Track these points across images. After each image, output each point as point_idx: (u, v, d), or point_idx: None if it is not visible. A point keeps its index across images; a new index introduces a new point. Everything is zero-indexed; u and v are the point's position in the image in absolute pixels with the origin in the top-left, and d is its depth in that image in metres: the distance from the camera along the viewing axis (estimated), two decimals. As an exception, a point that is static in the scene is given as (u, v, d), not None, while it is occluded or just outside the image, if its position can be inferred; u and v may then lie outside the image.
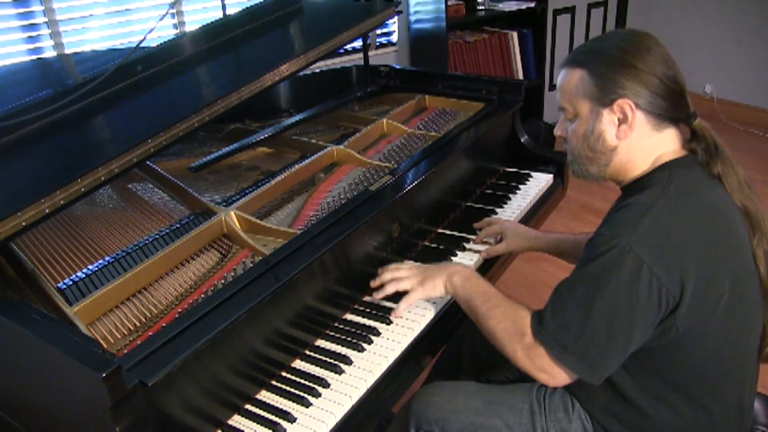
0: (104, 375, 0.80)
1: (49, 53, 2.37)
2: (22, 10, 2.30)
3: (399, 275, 1.30)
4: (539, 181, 1.84)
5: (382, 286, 1.31)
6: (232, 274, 1.21)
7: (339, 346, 1.21)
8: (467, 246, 1.54)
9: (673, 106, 1.08)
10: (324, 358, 1.18)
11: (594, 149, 1.12)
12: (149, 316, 1.12)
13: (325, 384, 1.12)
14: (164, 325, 1.04)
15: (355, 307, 1.32)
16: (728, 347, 1.08)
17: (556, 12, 3.98)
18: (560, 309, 1.04)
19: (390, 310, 1.29)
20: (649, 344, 1.04)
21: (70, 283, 1.17)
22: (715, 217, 1.06)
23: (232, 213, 1.35)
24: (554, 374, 1.06)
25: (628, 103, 1.06)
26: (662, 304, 1.00)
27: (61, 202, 1.07)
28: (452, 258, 1.48)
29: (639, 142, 1.09)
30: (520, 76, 3.64)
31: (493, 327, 1.13)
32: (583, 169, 1.17)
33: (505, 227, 1.53)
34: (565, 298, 1.05)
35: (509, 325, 1.11)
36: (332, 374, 1.15)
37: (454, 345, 1.56)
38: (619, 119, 1.08)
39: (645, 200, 1.03)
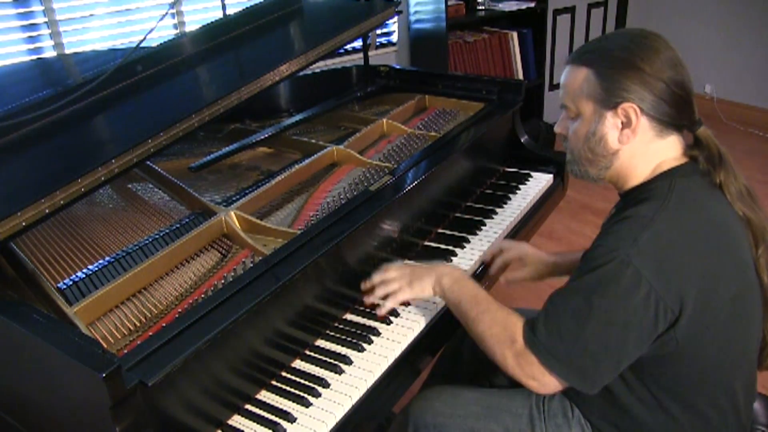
0: (104, 375, 0.80)
1: (49, 53, 2.37)
2: (22, 10, 2.30)
3: (388, 276, 1.27)
4: (539, 181, 1.84)
5: (372, 290, 1.28)
6: (232, 274, 1.21)
7: (339, 346, 1.21)
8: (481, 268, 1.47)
9: (678, 113, 1.05)
10: (324, 358, 1.18)
11: (594, 151, 1.10)
12: (149, 316, 1.12)
13: (325, 384, 1.12)
14: (164, 325, 1.04)
15: (355, 307, 1.32)
16: (727, 356, 1.07)
17: (556, 12, 3.98)
18: (554, 318, 1.03)
19: (392, 310, 1.29)
20: (647, 355, 1.03)
21: (70, 283, 1.17)
22: (717, 229, 1.04)
23: (232, 213, 1.35)
24: (544, 382, 1.05)
25: (633, 107, 1.04)
26: (660, 318, 0.98)
27: (61, 202, 1.07)
28: (452, 258, 1.48)
29: (641, 147, 1.08)
30: (520, 76, 3.64)
31: (483, 332, 1.12)
32: (582, 170, 1.16)
33: (526, 253, 1.47)
34: (559, 307, 1.04)
35: (499, 331, 1.10)
36: (332, 374, 1.15)
37: (454, 346, 1.55)
38: (622, 123, 1.06)
39: (645, 213, 1.01)
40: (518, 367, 1.06)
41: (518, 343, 1.06)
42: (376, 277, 1.28)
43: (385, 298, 1.27)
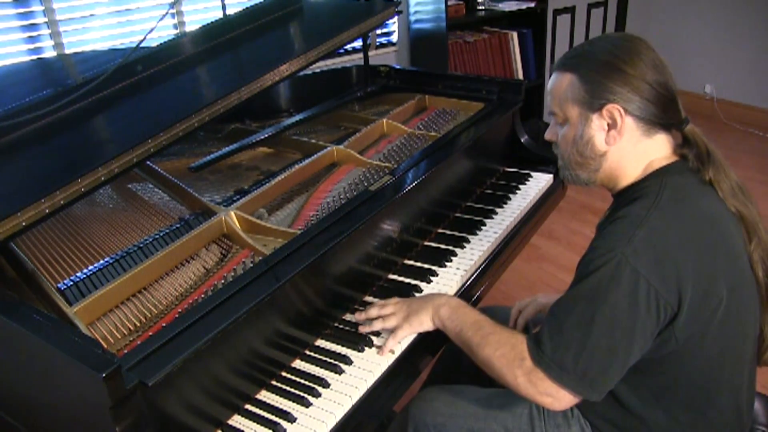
0: (104, 375, 0.80)
1: (49, 53, 2.37)
2: (22, 10, 2.30)
3: (385, 312, 1.24)
4: (539, 181, 1.84)
5: (368, 321, 1.25)
6: (232, 274, 1.21)
7: (339, 346, 1.21)
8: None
9: (663, 113, 1.07)
10: (324, 358, 1.18)
11: (583, 154, 1.12)
12: (149, 316, 1.12)
13: (325, 384, 1.12)
14: (164, 325, 1.04)
15: (356, 306, 1.32)
16: (725, 353, 1.07)
17: (556, 12, 3.98)
18: (558, 329, 1.02)
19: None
20: (647, 355, 1.03)
21: (71, 283, 1.17)
22: (710, 225, 1.05)
23: (232, 213, 1.35)
24: (558, 397, 1.03)
25: (617, 108, 1.05)
26: (660, 315, 0.99)
27: (61, 202, 1.07)
28: (452, 258, 1.48)
29: (629, 147, 1.09)
30: (520, 76, 3.64)
31: (490, 355, 1.10)
32: (573, 174, 1.17)
33: (542, 304, 1.46)
34: (561, 317, 1.03)
35: (507, 351, 1.07)
36: (332, 374, 1.15)
37: (454, 346, 1.55)
38: (608, 124, 1.08)
39: (638, 212, 1.02)
40: (531, 386, 1.04)
41: (527, 360, 1.04)
42: (373, 311, 1.25)
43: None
